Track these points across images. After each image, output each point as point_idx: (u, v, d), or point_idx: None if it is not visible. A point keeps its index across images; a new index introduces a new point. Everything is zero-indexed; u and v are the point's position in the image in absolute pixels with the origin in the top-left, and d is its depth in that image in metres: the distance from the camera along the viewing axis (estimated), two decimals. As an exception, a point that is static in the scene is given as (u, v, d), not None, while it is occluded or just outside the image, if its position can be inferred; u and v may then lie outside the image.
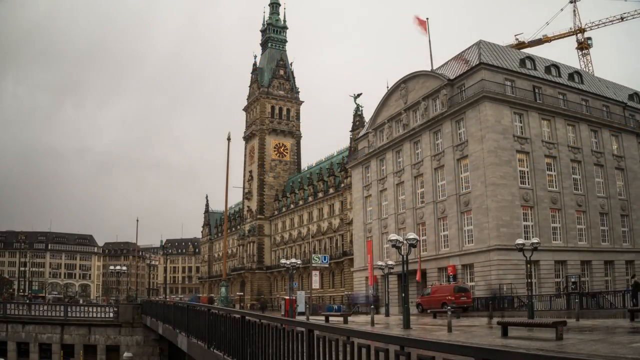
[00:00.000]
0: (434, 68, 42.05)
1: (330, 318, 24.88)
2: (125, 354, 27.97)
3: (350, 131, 65.42)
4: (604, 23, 76.49)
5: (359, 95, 65.77)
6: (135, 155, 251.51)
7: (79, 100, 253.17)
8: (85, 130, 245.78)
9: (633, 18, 72.49)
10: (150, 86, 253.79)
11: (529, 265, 25.78)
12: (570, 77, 40.84)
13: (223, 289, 30.15)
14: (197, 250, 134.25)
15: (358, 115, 65.41)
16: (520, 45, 72.38)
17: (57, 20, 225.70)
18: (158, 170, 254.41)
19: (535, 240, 26.01)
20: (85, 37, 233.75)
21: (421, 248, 37.14)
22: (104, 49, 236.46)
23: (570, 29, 77.60)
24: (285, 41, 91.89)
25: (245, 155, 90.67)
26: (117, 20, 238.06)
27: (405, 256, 21.34)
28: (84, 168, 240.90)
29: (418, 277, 36.71)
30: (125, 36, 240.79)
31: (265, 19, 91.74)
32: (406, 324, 19.06)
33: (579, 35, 77.61)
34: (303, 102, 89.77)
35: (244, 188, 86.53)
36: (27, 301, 47.19)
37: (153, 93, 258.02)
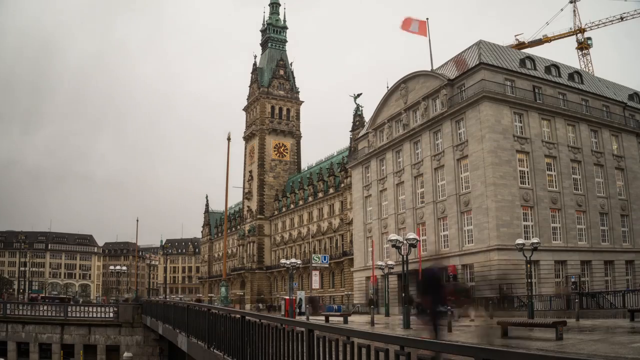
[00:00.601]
0: (434, 68, 42.02)
1: (330, 318, 24.90)
2: (125, 354, 27.94)
3: (350, 131, 65.46)
4: (603, 23, 76.65)
5: (359, 95, 65.97)
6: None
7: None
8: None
9: (633, 18, 72.70)
10: (143, 88, 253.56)
11: (529, 265, 25.78)
12: (570, 77, 40.82)
13: (223, 289, 30.11)
14: (197, 250, 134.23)
15: (358, 115, 65.47)
16: (520, 45, 72.47)
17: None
18: (155, 172, 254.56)
19: (535, 240, 26.09)
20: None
21: (421, 248, 37.09)
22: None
23: (570, 29, 77.76)
24: (285, 41, 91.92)
25: (245, 155, 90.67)
26: (28, 46, 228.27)
27: (405, 256, 21.36)
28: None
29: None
30: (40, 61, 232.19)
31: (265, 19, 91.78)
32: (406, 324, 19.08)
33: (578, 35, 77.70)
34: (303, 102, 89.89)
35: (244, 188, 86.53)
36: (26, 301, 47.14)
37: (150, 93, 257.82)
